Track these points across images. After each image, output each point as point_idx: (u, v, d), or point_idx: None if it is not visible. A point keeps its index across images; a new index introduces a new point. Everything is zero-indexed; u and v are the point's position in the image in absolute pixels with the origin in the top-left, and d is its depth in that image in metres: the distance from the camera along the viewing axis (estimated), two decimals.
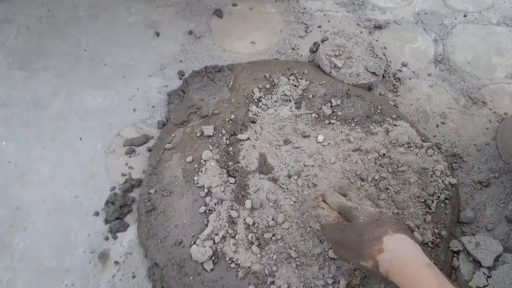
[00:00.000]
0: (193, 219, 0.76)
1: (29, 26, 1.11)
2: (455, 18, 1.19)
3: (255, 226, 0.75)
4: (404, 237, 0.57)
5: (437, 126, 0.94)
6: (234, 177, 0.80)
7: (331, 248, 0.71)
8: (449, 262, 0.73)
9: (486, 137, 0.92)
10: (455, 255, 0.74)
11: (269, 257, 0.72)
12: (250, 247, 0.73)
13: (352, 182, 0.80)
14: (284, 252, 0.72)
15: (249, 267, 0.71)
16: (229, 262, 0.71)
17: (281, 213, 0.76)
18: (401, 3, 1.22)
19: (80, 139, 0.90)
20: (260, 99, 0.93)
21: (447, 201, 0.78)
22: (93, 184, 0.84)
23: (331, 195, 0.68)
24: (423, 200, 0.78)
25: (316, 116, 0.90)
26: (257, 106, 0.92)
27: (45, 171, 0.85)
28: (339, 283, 0.69)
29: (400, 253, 0.55)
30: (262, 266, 0.71)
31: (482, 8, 1.22)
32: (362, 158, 0.83)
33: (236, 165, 0.82)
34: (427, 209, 0.77)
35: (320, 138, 0.86)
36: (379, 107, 0.90)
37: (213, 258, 0.72)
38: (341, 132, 0.87)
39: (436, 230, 0.75)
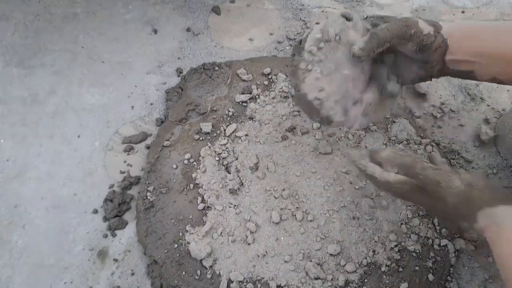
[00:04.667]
0: (191, 216, 0.77)
1: (26, 23, 1.10)
2: (453, 15, 1.19)
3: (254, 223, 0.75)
4: (499, 210, 0.51)
5: (435, 122, 0.94)
6: (233, 174, 0.80)
7: (329, 244, 0.71)
8: (449, 261, 0.73)
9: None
10: (456, 254, 0.75)
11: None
12: (248, 244, 0.73)
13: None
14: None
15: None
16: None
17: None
18: None
19: (78, 136, 0.90)
20: (258, 95, 0.93)
21: None
22: (92, 182, 0.84)
23: (390, 154, 0.63)
24: None
25: None
26: (255, 103, 0.92)
27: (43, 169, 0.85)
28: (337, 279, 0.69)
29: (499, 226, 0.51)
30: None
31: (480, 4, 1.22)
32: (359, 151, 0.83)
33: (234, 161, 0.82)
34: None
35: (318, 135, 0.86)
36: None
37: (212, 255, 0.72)
38: (340, 129, 0.87)
39: (438, 227, 0.76)
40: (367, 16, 0.70)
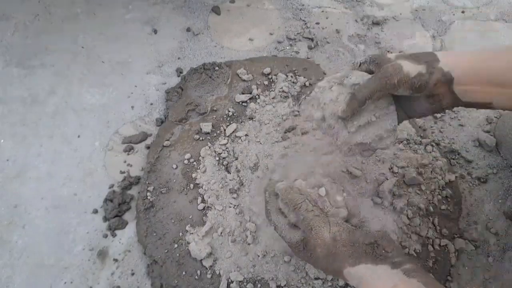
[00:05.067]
0: (191, 216, 0.77)
1: (26, 23, 1.10)
2: (453, 14, 1.19)
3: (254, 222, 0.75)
4: (362, 268, 0.52)
5: (436, 122, 0.94)
6: (233, 174, 0.80)
7: None
8: (449, 261, 0.73)
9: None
10: (456, 254, 0.74)
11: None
12: (248, 244, 0.73)
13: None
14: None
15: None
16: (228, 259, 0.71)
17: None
18: None
19: (78, 136, 0.90)
20: (258, 95, 0.93)
21: (448, 199, 0.79)
22: (92, 182, 0.84)
23: (284, 189, 0.61)
24: (424, 197, 0.78)
25: None
26: (255, 103, 0.92)
27: (43, 169, 0.85)
28: (338, 280, 0.69)
29: (362, 283, 0.52)
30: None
31: (480, 4, 1.22)
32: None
33: (234, 161, 0.82)
34: (428, 206, 0.77)
35: (318, 135, 0.86)
36: None
37: (212, 255, 0.72)
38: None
39: (438, 227, 0.76)
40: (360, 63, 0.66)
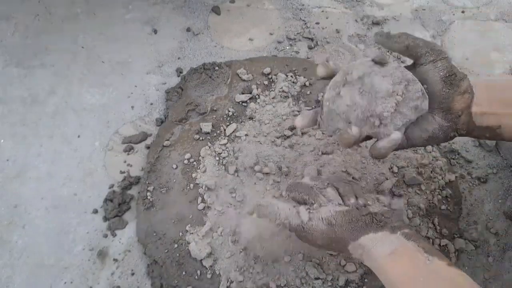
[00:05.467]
0: (191, 216, 0.77)
1: (26, 23, 1.10)
2: (453, 14, 1.19)
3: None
4: (362, 240, 0.54)
5: None
6: (233, 174, 0.80)
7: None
8: (449, 260, 0.73)
9: None
10: (456, 254, 0.74)
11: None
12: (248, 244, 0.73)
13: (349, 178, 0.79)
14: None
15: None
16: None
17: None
18: None
19: (78, 136, 0.90)
20: (258, 95, 0.93)
21: (448, 199, 0.79)
22: (92, 182, 0.84)
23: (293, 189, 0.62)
24: (424, 197, 0.78)
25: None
26: (255, 103, 0.92)
27: (43, 169, 0.85)
28: (338, 279, 0.69)
29: (363, 253, 0.54)
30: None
31: (480, 3, 1.22)
32: (359, 152, 0.83)
33: (234, 161, 0.82)
34: (428, 206, 0.77)
35: (318, 135, 0.86)
36: None
37: (212, 255, 0.72)
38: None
39: (438, 227, 0.76)
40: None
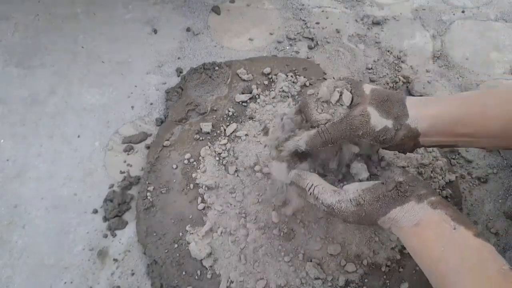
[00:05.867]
0: (191, 216, 0.76)
1: (26, 23, 1.10)
2: (453, 14, 1.19)
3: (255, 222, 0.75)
4: (391, 214, 0.55)
5: None
6: (233, 174, 0.80)
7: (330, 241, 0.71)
8: None
9: None
10: None
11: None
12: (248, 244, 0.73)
13: None
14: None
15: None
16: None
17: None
18: None
19: (78, 136, 0.90)
20: (258, 95, 0.93)
21: (449, 199, 0.79)
22: (92, 182, 0.84)
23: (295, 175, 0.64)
24: None
25: None
26: (255, 103, 0.92)
27: (43, 169, 0.85)
28: (338, 279, 0.69)
29: (391, 227, 0.56)
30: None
31: (480, 3, 1.22)
32: None
33: (234, 161, 0.82)
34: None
35: None
36: None
37: (212, 255, 0.72)
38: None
39: None
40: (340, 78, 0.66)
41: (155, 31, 1.10)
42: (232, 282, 0.69)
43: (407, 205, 0.54)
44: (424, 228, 0.52)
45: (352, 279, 0.69)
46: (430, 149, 0.84)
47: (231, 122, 0.89)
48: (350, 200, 0.57)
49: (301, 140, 0.62)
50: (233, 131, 0.87)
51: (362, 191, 0.57)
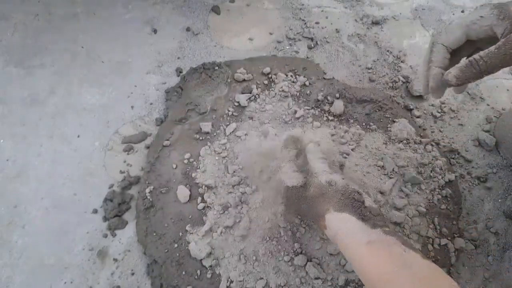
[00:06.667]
0: (191, 216, 0.77)
1: (26, 23, 1.10)
2: (453, 14, 1.19)
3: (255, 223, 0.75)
4: (344, 216, 0.55)
5: (435, 122, 0.94)
6: (233, 173, 0.80)
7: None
8: (449, 260, 0.73)
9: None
10: (456, 253, 0.74)
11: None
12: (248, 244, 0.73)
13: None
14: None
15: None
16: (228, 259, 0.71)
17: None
18: None
19: (78, 136, 0.90)
20: (258, 95, 0.93)
21: (448, 198, 0.79)
22: (92, 182, 0.84)
23: (311, 152, 0.65)
24: (424, 196, 0.78)
25: (314, 112, 0.90)
26: (255, 102, 0.92)
27: (43, 169, 0.85)
28: (337, 279, 0.69)
29: (339, 233, 0.54)
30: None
31: (480, 3, 1.21)
32: (363, 156, 0.83)
33: (234, 161, 0.82)
34: (428, 206, 0.77)
35: (318, 134, 0.86)
36: (378, 104, 0.90)
37: (212, 254, 0.72)
38: (340, 128, 0.87)
39: (438, 227, 0.76)
40: None
41: (155, 31, 1.10)
42: (232, 281, 0.69)
43: (362, 223, 0.54)
44: (377, 247, 0.51)
45: (351, 278, 0.69)
46: (430, 148, 0.84)
47: (231, 121, 0.89)
48: (327, 176, 0.58)
49: (450, 74, 0.57)
50: (233, 131, 0.87)
51: (340, 179, 0.58)
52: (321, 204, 0.56)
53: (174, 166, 0.83)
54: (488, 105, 0.97)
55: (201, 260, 0.71)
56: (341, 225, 0.54)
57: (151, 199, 0.78)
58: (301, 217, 0.65)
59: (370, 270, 0.50)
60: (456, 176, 0.83)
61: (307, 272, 0.69)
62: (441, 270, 0.49)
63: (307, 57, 1.05)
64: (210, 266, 0.71)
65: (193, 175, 0.81)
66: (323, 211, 0.56)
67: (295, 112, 0.89)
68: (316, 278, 0.69)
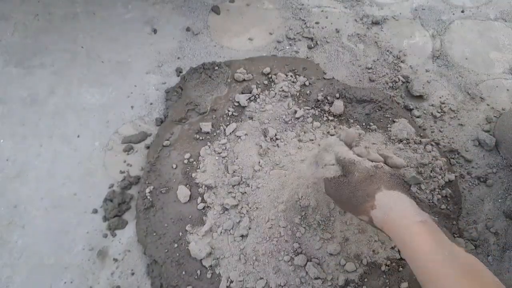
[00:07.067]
0: (191, 216, 0.77)
1: (26, 23, 1.10)
2: (453, 14, 1.19)
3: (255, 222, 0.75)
4: (397, 194, 0.56)
5: (435, 122, 0.94)
6: (233, 173, 0.80)
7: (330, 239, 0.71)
8: None
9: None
10: None
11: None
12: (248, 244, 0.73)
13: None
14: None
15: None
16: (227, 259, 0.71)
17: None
18: None
19: (78, 136, 0.90)
20: (258, 95, 0.93)
21: (448, 198, 0.79)
22: (92, 182, 0.84)
23: (336, 145, 0.65)
24: (424, 196, 0.78)
25: (314, 112, 0.90)
26: (255, 102, 0.92)
27: (43, 169, 0.85)
28: (337, 279, 0.69)
29: (392, 209, 0.54)
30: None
31: (480, 3, 1.22)
32: None
33: (234, 161, 0.82)
34: (428, 206, 0.77)
35: (318, 134, 0.86)
36: (378, 104, 0.90)
37: (212, 254, 0.72)
38: (340, 128, 0.87)
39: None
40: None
41: (155, 31, 1.10)
42: (232, 281, 0.69)
43: (414, 202, 0.55)
44: (429, 228, 0.51)
45: (352, 278, 0.70)
46: (430, 148, 0.84)
47: (231, 121, 0.89)
48: (371, 162, 0.59)
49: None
50: (232, 131, 0.87)
51: (383, 165, 0.60)
52: (370, 186, 0.57)
53: (174, 166, 0.83)
54: (488, 105, 0.97)
55: (201, 260, 0.71)
56: (395, 201, 0.55)
57: (151, 199, 0.78)
58: (341, 205, 0.64)
59: (421, 248, 0.50)
60: (456, 176, 0.83)
61: (307, 272, 0.69)
62: (483, 265, 0.49)
63: (307, 57, 1.05)
64: (210, 266, 0.71)
65: (193, 175, 0.81)
66: (373, 191, 0.56)
67: (295, 112, 0.89)
68: (316, 278, 0.69)
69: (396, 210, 0.54)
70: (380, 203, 0.55)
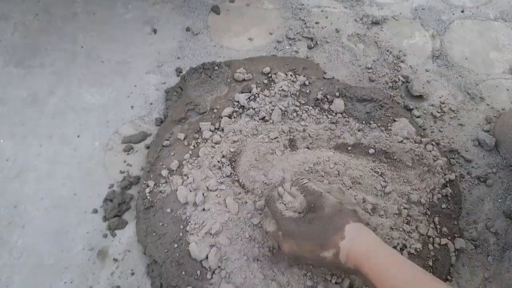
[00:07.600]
0: (191, 216, 0.76)
1: (26, 23, 1.10)
2: (453, 14, 1.19)
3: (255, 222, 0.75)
4: (360, 225, 0.60)
5: (435, 122, 0.94)
6: (233, 173, 0.80)
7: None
8: (449, 260, 0.73)
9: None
10: (456, 253, 0.75)
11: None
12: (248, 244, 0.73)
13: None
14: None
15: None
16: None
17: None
18: None
19: (78, 136, 0.90)
20: (258, 94, 0.93)
21: (448, 198, 0.79)
22: (91, 182, 0.84)
23: (296, 180, 0.68)
24: (425, 196, 0.78)
25: (313, 111, 0.90)
26: (254, 102, 0.92)
27: (43, 169, 0.85)
28: (342, 283, 0.69)
29: (359, 236, 0.58)
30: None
31: (480, 3, 1.22)
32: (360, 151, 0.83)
33: (234, 160, 0.82)
34: (427, 205, 0.77)
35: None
36: (379, 103, 0.90)
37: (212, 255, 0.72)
38: (340, 125, 0.87)
39: (438, 226, 0.76)
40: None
41: (155, 31, 1.10)
42: (232, 281, 0.69)
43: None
44: (393, 250, 0.58)
45: (353, 278, 0.69)
46: (430, 148, 0.84)
47: (231, 121, 0.89)
48: (334, 196, 0.64)
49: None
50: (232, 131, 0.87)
51: (345, 197, 0.65)
52: (339, 220, 0.60)
53: (174, 165, 0.82)
54: (488, 105, 0.97)
55: (201, 260, 0.71)
56: (360, 231, 0.59)
57: (151, 199, 0.78)
58: (303, 246, 0.65)
59: (390, 267, 0.55)
60: (456, 176, 0.83)
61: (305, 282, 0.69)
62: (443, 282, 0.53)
63: (307, 57, 1.05)
64: (210, 266, 0.71)
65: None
66: (342, 224, 0.59)
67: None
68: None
69: (363, 236, 0.58)
70: (348, 233, 0.58)
